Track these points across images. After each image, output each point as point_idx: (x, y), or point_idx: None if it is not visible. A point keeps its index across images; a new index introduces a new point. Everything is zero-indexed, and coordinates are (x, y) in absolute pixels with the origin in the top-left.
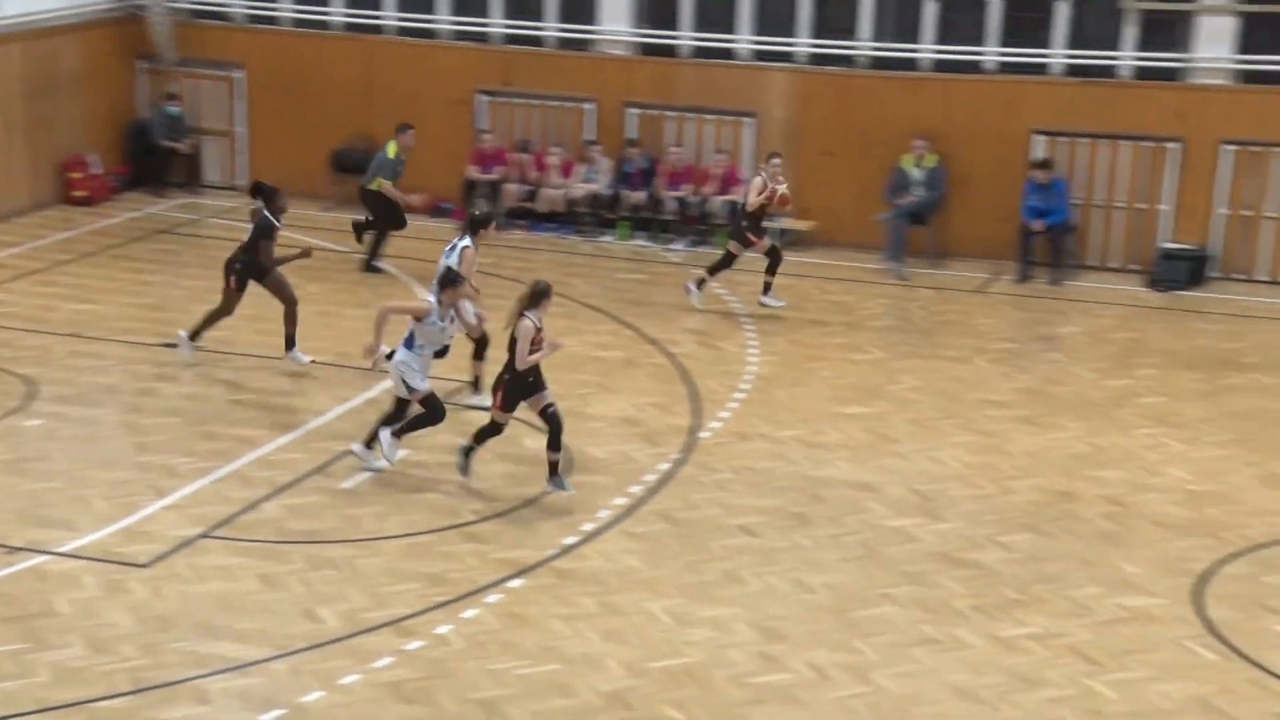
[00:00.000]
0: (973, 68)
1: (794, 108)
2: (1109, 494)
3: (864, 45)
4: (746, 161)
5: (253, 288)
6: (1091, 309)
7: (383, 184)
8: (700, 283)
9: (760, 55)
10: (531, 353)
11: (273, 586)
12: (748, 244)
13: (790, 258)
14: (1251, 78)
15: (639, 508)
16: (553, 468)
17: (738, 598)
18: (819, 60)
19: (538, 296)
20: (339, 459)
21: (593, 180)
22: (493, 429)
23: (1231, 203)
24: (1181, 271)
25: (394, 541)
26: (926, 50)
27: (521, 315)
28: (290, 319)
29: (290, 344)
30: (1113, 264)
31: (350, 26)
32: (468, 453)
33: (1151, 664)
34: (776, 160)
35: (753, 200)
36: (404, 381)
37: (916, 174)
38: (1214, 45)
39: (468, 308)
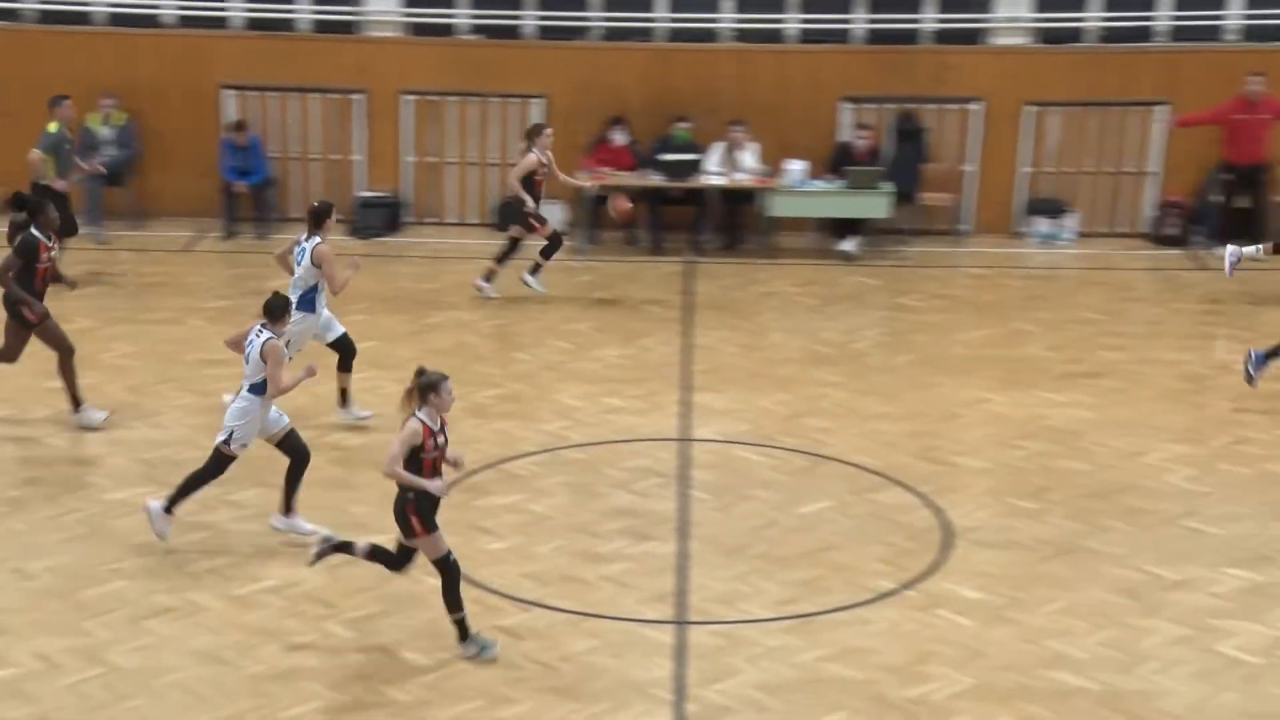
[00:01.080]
0: (152, 21)
1: None
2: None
3: None
4: None
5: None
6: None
7: (40, 157)
8: (489, 275)
9: None
10: (424, 463)
11: None
12: (531, 230)
13: None
14: (421, 29)
15: None
16: (461, 629)
17: None
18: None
19: (425, 390)
20: None
21: None
22: (401, 558)
23: (417, 150)
24: (379, 218)
25: None
26: (99, 6)
27: (411, 415)
28: (67, 372)
29: (77, 404)
30: None
31: None
32: (336, 549)
33: (383, 599)
34: (549, 131)
35: (519, 176)
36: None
37: (106, 133)
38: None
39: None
